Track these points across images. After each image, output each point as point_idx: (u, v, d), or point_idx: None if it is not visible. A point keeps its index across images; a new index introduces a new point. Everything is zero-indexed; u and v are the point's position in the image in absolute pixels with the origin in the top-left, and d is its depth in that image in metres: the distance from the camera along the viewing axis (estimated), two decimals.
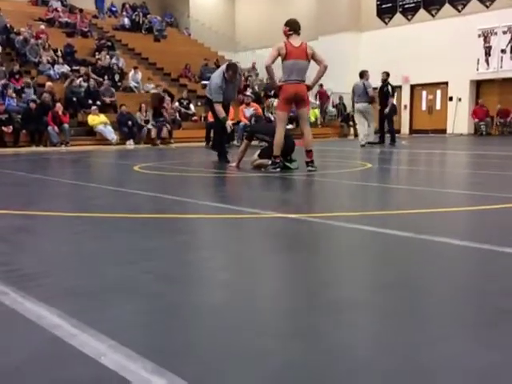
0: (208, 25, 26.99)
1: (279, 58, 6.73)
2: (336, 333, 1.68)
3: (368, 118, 13.23)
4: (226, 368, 1.45)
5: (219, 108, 8.34)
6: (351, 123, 21.65)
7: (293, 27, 6.76)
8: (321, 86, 20.71)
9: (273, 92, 20.21)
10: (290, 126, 14.42)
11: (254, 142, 7.86)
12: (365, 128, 13.25)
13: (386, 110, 13.70)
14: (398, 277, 2.30)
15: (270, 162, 6.98)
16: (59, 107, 14.70)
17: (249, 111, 14.83)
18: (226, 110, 8.62)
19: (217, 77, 8.46)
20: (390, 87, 13.77)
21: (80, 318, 1.76)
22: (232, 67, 8.44)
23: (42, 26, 19.76)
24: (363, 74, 13.23)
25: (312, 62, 6.82)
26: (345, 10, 23.85)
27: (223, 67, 8.57)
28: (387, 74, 13.90)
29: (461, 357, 1.50)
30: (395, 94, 14.96)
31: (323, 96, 22.03)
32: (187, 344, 1.60)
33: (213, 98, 8.38)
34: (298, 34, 6.77)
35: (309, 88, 7.04)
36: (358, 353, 1.54)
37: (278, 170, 6.80)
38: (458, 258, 2.63)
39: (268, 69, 6.72)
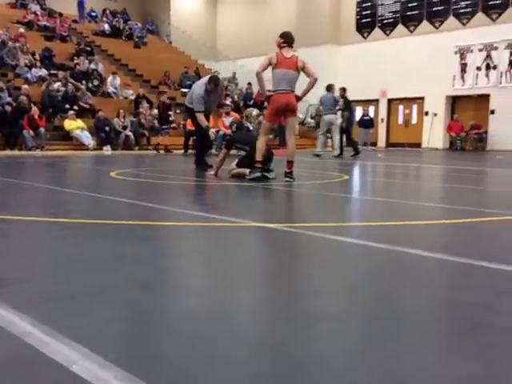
0: (189, 33, 27.01)
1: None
2: (309, 344, 1.67)
3: (334, 130, 13.93)
4: (198, 377, 1.44)
5: (201, 117, 8.37)
6: (329, 135, 21.80)
7: (287, 40, 6.83)
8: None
9: (252, 101, 20.30)
10: (268, 136, 14.47)
11: (233, 151, 7.86)
12: (323, 138, 14.27)
13: (343, 124, 14.33)
14: (372, 288, 2.31)
15: (248, 172, 6.98)
16: (35, 111, 14.54)
17: (228, 120, 14.86)
18: (206, 119, 8.63)
19: (199, 87, 8.49)
20: (346, 102, 14.41)
21: (52, 326, 1.73)
22: (214, 80, 8.48)
23: (22, 30, 19.57)
24: (331, 88, 13.88)
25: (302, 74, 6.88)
26: (324, 24, 24.10)
27: (205, 79, 8.60)
28: (344, 90, 14.54)
29: (434, 368, 1.50)
30: (354, 108, 15.76)
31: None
32: (161, 352, 1.58)
33: (194, 108, 8.40)
34: (291, 47, 6.84)
35: (298, 99, 7.05)
36: (330, 364, 1.54)
37: (258, 175, 6.80)
38: (433, 271, 2.65)
39: (258, 76, 6.70)
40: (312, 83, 6.79)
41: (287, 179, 6.78)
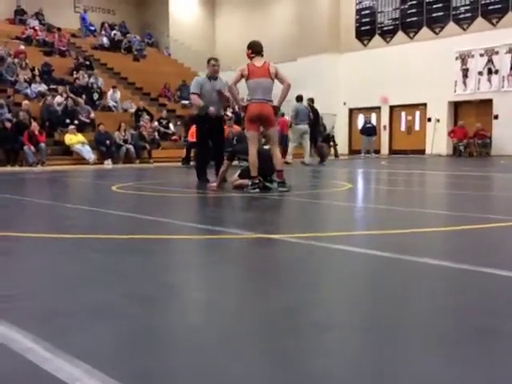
0: (187, 44, 27.05)
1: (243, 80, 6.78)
2: (313, 355, 1.65)
3: (306, 138, 14.39)
4: None
5: (194, 97, 8.20)
6: (331, 143, 21.76)
7: (255, 49, 6.82)
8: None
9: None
10: (268, 147, 14.42)
11: (235, 162, 7.76)
12: (293, 146, 14.85)
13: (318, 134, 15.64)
14: (376, 296, 2.28)
15: (250, 183, 6.87)
16: (35, 126, 14.50)
17: (232, 134, 14.91)
18: (215, 127, 8.29)
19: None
20: (315, 112, 15.19)
21: (54, 342, 1.69)
22: (212, 59, 8.45)
23: (22, 46, 19.60)
24: (301, 98, 14.41)
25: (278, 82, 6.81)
26: (324, 32, 24.10)
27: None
28: (312, 101, 15.48)
29: (439, 375, 1.48)
30: (320, 119, 17.00)
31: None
32: (163, 368, 1.55)
33: (190, 90, 8.33)
34: (261, 56, 6.84)
35: (275, 109, 6.95)
36: (334, 375, 1.51)
37: (257, 190, 6.69)
38: (437, 278, 2.60)
39: (230, 89, 6.85)
40: (285, 90, 6.75)
41: (281, 188, 6.71)
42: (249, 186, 6.80)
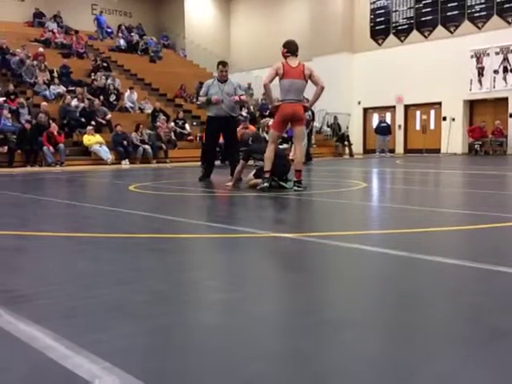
0: (203, 46, 27.22)
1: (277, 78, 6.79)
2: (329, 354, 1.66)
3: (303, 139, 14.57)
4: None
5: (200, 98, 8.76)
6: (346, 143, 21.79)
7: (290, 49, 6.84)
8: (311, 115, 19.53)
9: (268, 112, 20.35)
10: (284, 146, 14.54)
11: (250, 162, 7.87)
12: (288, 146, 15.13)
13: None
14: (392, 296, 2.29)
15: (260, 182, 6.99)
16: (54, 127, 14.73)
17: (247, 135, 15.00)
18: (225, 127, 8.61)
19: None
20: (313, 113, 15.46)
21: (74, 340, 1.73)
22: (220, 64, 8.66)
23: (41, 49, 19.89)
24: None
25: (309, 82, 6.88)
26: (338, 32, 24.11)
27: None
28: (307, 100, 15.89)
29: (456, 375, 1.48)
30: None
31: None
32: (180, 366, 1.58)
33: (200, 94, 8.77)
34: (296, 56, 6.84)
35: (306, 109, 7.06)
36: (351, 374, 1.51)
37: (266, 184, 6.78)
38: (453, 277, 2.61)
39: (266, 87, 6.74)
40: (318, 93, 6.79)
41: (295, 188, 6.79)
42: (261, 182, 6.90)
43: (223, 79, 8.59)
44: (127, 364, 1.56)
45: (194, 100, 21.16)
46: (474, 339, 1.77)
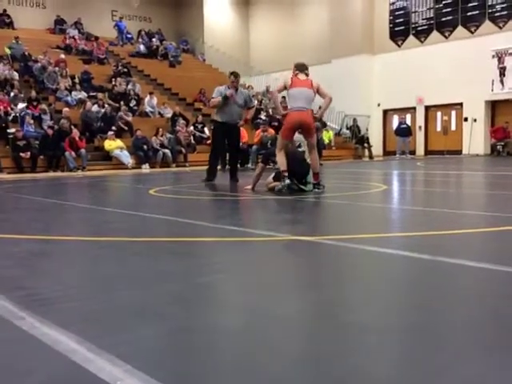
0: (222, 50, 27.31)
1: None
2: (350, 358, 1.66)
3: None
4: None
5: (213, 100, 8.97)
6: (365, 145, 21.67)
7: (298, 68, 7.12)
8: (324, 125, 19.09)
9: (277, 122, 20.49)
10: (303, 149, 14.52)
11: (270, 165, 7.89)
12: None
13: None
14: (414, 299, 2.27)
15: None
16: (76, 133, 14.90)
17: (266, 138, 15.08)
18: (231, 132, 8.91)
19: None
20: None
21: (96, 343, 1.75)
22: (232, 75, 8.87)
23: (62, 55, 20.15)
24: None
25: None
26: (358, 33, 24.01)
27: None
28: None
29: (479, 380, 1.47)
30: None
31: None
32: (202, 368, 1.59)
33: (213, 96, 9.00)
34: (305, 74, 7.06)
35: (315, 119, 7.21)
36: (372, 378, 1.50)
37: (288, 181, 6.84)
38: (477, 280, 2.59)
39: (273, 95, 7.10)
40: (327, 103, 7.11)
41: (315, 190, 7.01)
42: (280, 183, 6.96)
43: (234, 89, 8.84)
44: (149, 366, 1.57)
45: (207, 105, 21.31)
46: (498, 343, 1.75)
